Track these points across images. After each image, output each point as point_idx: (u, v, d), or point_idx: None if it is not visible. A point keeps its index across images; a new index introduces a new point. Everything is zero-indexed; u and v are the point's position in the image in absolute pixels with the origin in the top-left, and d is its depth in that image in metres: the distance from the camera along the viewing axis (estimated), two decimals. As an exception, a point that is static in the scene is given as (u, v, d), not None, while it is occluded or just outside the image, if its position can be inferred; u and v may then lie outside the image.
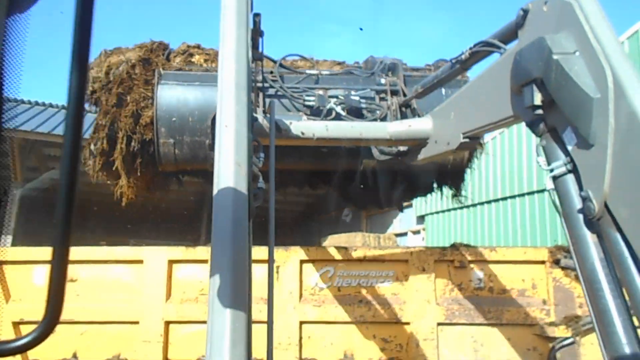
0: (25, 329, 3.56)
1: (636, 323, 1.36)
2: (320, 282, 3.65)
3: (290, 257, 3.64)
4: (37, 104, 11.90)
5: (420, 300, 3.55)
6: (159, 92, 3.23)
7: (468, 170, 4.09)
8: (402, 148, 3.05)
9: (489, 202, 10.30)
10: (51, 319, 0.87)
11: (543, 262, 3.54)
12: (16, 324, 3.53)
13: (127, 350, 3.55)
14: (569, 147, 1.53)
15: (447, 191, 4.34)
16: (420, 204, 13.35)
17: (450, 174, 4.01)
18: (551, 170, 1.60)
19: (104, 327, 3.57)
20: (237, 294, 1.19)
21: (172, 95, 3.25)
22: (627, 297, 1.36)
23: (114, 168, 3.57)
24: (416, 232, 14.61)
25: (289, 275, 3.62)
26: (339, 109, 3.18)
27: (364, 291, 3.63)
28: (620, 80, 1.33)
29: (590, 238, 1.46)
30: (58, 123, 10.81)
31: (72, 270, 3.63)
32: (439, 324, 3.51)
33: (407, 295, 3.60)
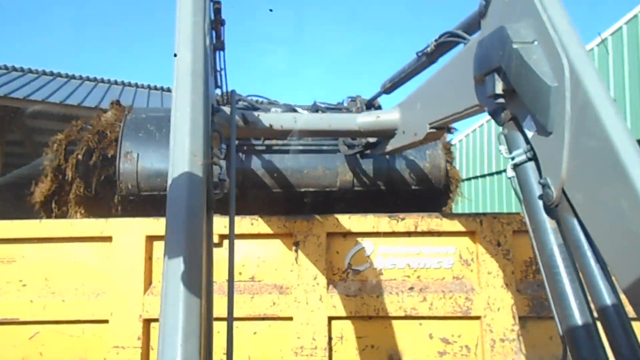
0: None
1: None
2: (355, 264, 2.68)
3: (313, 229, 2.66)
4: (13, 69, 10.79)
5: (494, 286, 2.58)
6: (128, 116, 3.21)
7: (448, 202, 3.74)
8: (371, 140, 3.02)
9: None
10: None
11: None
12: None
13: (94, 359, 2.61)
14: (529, 135, 1.55)
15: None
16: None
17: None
18: (512, 159, 1.61)
19: (61, 328, 2.61)
20: (190, 287, 1.13)
21: (141, 116, 3.22)
22: (583, 282, 1.38)
23: (65, 176, 3.17)
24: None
25: (312, 255, 2.64)
26: (305, 112, 3.09)
27: (415, 275, 2.66)
28: (576, 70, 1.35)
29: (549, 224, 1.49)
30: (37, 88, 9.72)
31: (11, 251, 2.65)
32: (521, 318, 2.55)
33: (476, 280, 2.63)
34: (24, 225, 2.67)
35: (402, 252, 2.67)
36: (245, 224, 2.66)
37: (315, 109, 3.24)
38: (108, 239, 2.64)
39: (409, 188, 3.28)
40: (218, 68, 2.47)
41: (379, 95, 3.13)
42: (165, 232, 1.24)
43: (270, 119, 2.65)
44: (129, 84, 12.57)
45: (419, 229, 2.66)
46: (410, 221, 2.66)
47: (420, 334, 2.61)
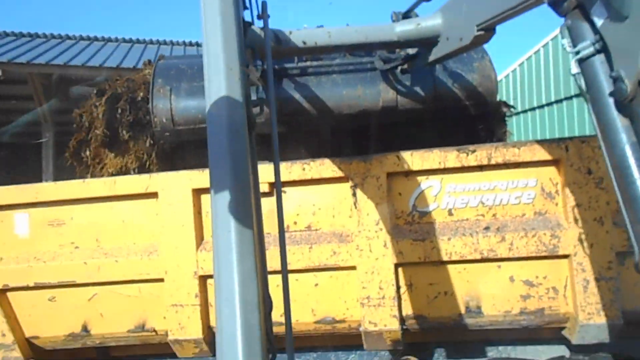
0: (13, 298, 2.59)
1: None
2: (421, 205, 2.41)
3: (372, 170, 2.39)
4: (52, 36, 10.81)
5: (585, 220, 2.25)
6: (159, 61, 3.09)
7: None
8: (410, 51, 2.73)
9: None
10: None
11: None
12: (1, 292, 2.56)
13: (154, 318, 2.54)
14: (599, 24, 1.41)
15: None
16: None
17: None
18: (577, 53, 1.47)
19: (117, 289, 2.54)
20: (240, 205, 1.10)
21: (172, 61, 3.16)
22: None
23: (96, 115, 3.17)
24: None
25: (372, 198, 2.39)
26: None
27: (490, 213, 2.37)
28: None
29: (620, 122, 1.39)
30: (75, 54, 9.72)
31: (60, 213, 2.56)
32: (618, 254, 2.23)
33: (562, 214, 2.30)
34: (69, 186, 2.56)
35: (474, 189, 2.36)
36: (297, 169, 2.43)
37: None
38: (154, 195, 2.49)
39: (459, 104, 2.93)
40: None
41: (417, 4, 2.76)
42: (209, 150, 1.18)
43: (303, 35, 2.47)
44: (164, 42, 12.38)
45: (492, 161, 2.33)
46: (483, 153, 2.34)
47: (500, 277, 2.34)
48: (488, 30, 2.08)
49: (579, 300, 2.23)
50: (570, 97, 8.90)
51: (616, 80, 1.35)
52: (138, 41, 12.08)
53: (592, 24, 1.44)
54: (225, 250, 1.07)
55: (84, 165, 3.22)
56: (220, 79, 1.25)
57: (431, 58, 2.51)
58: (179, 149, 3.09)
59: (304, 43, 2.46)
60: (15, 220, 2.60)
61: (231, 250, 1.06)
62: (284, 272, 1.63)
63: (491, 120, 3.17)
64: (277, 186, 1.76)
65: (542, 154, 2.30)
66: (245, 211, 1.12)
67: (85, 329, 2.57)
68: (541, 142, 2.32)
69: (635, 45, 1.28)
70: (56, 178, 10.75)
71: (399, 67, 2.84)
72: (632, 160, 1.36)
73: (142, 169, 3.10)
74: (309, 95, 2.88)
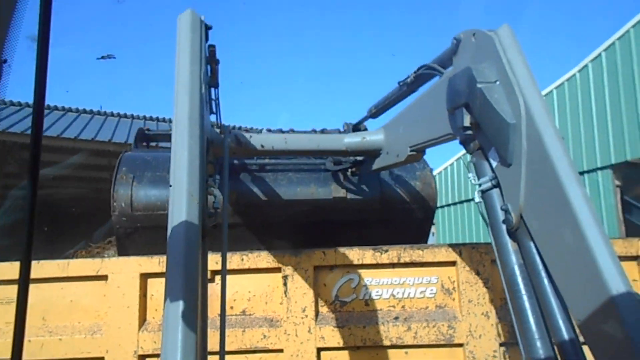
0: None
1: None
2: (342, 295, 2.78)
3: (301, 263, 2.77)
4: (12, 103, 10.97)
5: (475, 314, 2.68)
6: (126, 152, 3.38)
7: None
8: (358, 158, 3.14)
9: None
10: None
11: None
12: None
13: (91, 396, 2.68)
14: (493, 165, 1.71)
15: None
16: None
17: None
18: (479, 185, 1.76)
19: (58, 366, 2.69)
20: (187, 310, 1.26)
21: (139, 153, 3.41)
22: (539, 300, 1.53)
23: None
24: (425, 227, 13.72)
25: (300, 288, 2.74)
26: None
27: (399, 305, 2.77)
28: (530, 109, 1.53)
29: (511, 246, 1.64)
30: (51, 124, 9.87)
31: (10, 291, 2.75)
32: (502, 344, 2.65)
33: (458, 308, 2.73)
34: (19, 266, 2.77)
35: (387, 283, 2.77)
36: (236, 259, 2.77)
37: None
38: (104, 277, 2.74)
39: (404, 206, 3.31)
40: (213, 97, 2.60)
41: (365, 119, 3.25)
42: (166, 266, 1.37)
43: (262, 139, 2.73)
44: (150, 118, 12.64)
45: (402, 260, 2.77)
46: (394, 253, 2.78)
47: (407, 362, 2.70)
48: (419, 152, 2.43)
49: (471, 384, 2.61)
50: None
51: (505, 212, 1.62)
52: (125, 116, 12.39)
53: (490, 164, 1.73)
54: (172, 349, 1.21)
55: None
56: (182, 204, 1.45)
57: (374, 167, 2.88)
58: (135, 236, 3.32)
59: (262, 146, 2.72)
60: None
61: (177, 350, 1.20)
62: (222, 353, 1.88)
63: (429, 221, 3.57)
64: (223, 280, 2.00)
65: (441, 256, 2.77)
66: (192, 315, 1.27)
67: (20, 406, 2.66)
68: (441, 246, 2.80)
69: (517, 187, 1.55)
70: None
71: (348, 170, 3.24)
72: (519, 279, 1.59)
73: None
74: (265, 190, 3.17)
